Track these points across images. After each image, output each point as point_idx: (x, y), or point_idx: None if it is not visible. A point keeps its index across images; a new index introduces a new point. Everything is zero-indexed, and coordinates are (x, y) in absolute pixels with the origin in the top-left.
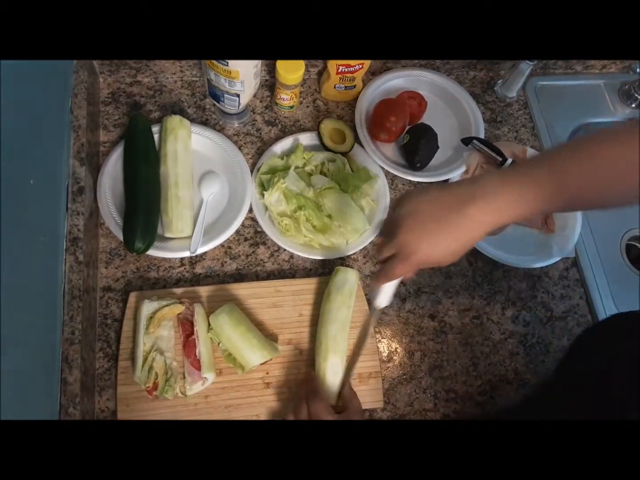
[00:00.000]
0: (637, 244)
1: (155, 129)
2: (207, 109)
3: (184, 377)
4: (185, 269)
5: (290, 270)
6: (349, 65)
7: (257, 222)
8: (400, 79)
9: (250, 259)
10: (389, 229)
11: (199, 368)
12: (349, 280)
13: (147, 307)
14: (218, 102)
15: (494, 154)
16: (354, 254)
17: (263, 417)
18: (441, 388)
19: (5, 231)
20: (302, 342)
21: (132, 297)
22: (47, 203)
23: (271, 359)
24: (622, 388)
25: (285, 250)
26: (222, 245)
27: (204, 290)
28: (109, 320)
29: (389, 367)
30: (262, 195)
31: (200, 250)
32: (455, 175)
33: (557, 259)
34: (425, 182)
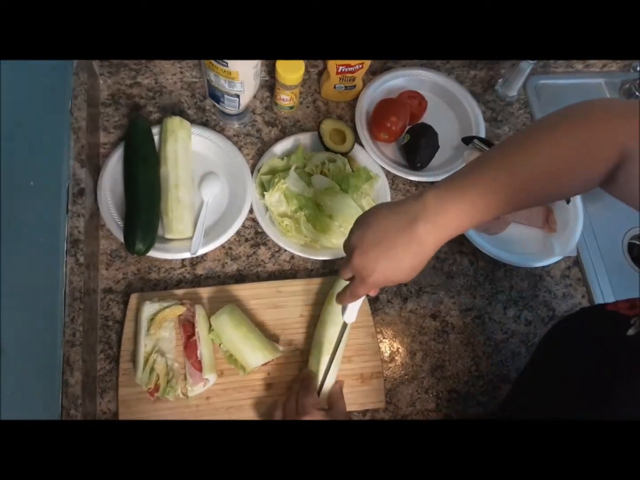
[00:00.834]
0: (639, 243)
1: (155, 130)
2: (207, 110)
3: (186, 379)
4: (186, 270)
5: (291, 271)
6: (348, 65)
7: (258, 223)
8: (400, 79)
9: (251, 260)
10: (347, 252)
11: (200, 369)
12: None
13: (148, 309)
14: (218, 103)
15: None
16: None
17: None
18: (443, 388)
19: (5, 233)
20: (303, 342)
21: (133, 299)
22: (47, 205)
23: (272, 360)
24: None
25: (286, 250)
26: (222, 246)
27: (204, 292)
28: (110, 322)
29: (390, 367)
30: (263, 195)
31: (200, 252)
32: None
33: (559, 258)
34: (426, 182)
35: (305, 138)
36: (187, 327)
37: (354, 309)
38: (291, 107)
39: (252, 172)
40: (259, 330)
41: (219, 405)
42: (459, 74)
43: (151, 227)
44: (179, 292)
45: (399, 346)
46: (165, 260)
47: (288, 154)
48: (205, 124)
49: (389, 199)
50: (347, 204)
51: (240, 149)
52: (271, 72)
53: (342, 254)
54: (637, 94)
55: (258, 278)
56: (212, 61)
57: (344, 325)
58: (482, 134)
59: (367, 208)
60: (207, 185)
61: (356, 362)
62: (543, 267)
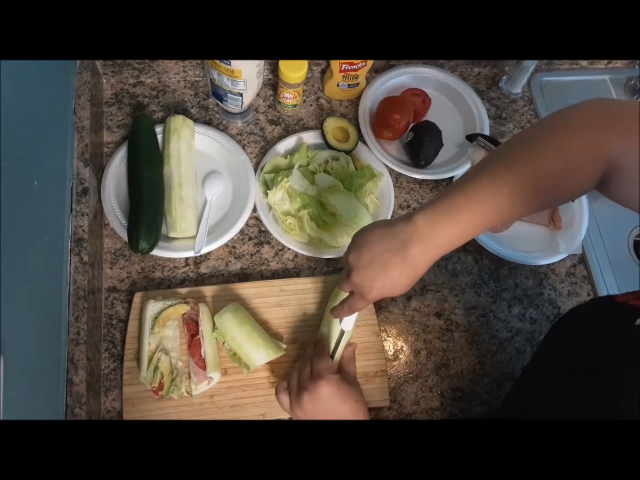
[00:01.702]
0: None
1: (158, 129)
2: (210, 109)
3: (190, 377)
4: (189, 268)
5: (295, 270)
6: (352, 64)
7: (261, 222)
8: (403, 77)
9: (254, 259)
10: (346, 268)
11: (204, 368)
12: None
13: (152, 307)
14: (221, 102)
15: None
16: None
17: (269, 417)
18: (447, 386)
19: (10, 233)
20: (307, 341)
21: (137, 298)
22: (51, 204)
23: (276, 358)
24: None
25: (289, 249)
26: (226, 244)
27: (208, 290)
28: (114, 320)
29: (394, 365)
30: (266, 194)
31: (204, 250)
32: (459, 172)
33: (564, 255)
34: (430, 180)
35: (308, 136)
36: (191, 325)
37: (352, 318)
38: (294, 106)
39: (255, 171)
40: (263, 328)
41: (223, 403)
42: (462, 71)
43: (155, 226)
44: (183, 290)
45: (403, 344)
46: (169, 259)
47: (291, 153)
48: (208, 122)
49: (392, 197)
50: (351, 202)
51: (243, 147)
52: (274, 70)
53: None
54: None
55: (262, 276)
56: (215, 60)
57: (342, 332)
58: (486, 132)
59: (370, 206)
60: (211, 184)
61: (360, 360)
62: (548, 265)
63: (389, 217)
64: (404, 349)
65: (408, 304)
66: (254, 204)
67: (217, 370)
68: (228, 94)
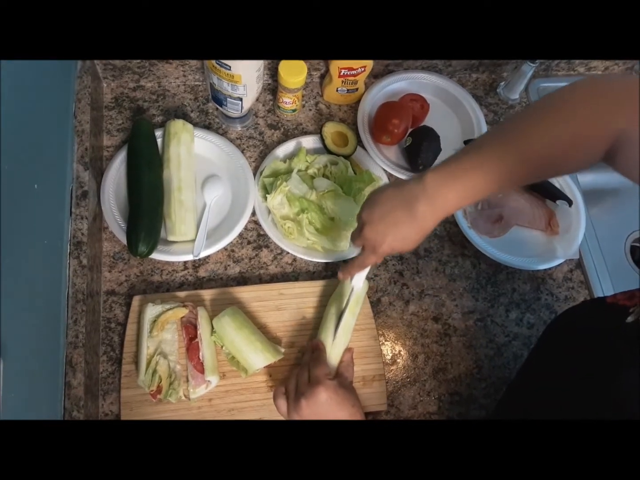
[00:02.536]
0: None
1: (158, 133)
2: (209, 113)
3: (188, 381)
4: (188, 272)
5: (294, 273)
6: (351, 69)
7: (260, 226)
8: (402, 82)
9: (253, 262)
10: (358, 224)
11: (202, 371)
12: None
13: (151, 311)
14: (221, 106)
15: None
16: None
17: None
18: (445, 391)
19: (9, 235)
20: (305, 344)
21: (136, 301)
22: (51, 207)
23: (274, 362)
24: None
25: (288, 253)
26: (225, 248)
27: (207, 294)
28: (113, 324)
29: (392, 369)
30: (265, 198)
31: (203, 254)
32: None
33: (561, 260)
34: None
35: (307, 141)
36: (190, 329)
37: (363, 276)
38: (294, 110)
39: (254, 175)
40: (261, 332)
41: (221, 407)
42: (461, 77)
43: (154, 230)
44: (182, 294)
45: (401, 349)
46: (168, 263)
47: (290, 157)
48: (208, 126)
49: None
50: (349, 207)
51: (242, 151)
52: (274, 75)
53: (344, 256)
54: None
55: (260, 280)
56: (215, 64)
57: (352, 291)
58: None
59: None
60: (210, 188)
61: (358, 364)
62: (545, 269)
63: None
64: (401, 353)
65: (406, 308)
66: (253, 208)
67: (215, 373)
68: (228, 99)
